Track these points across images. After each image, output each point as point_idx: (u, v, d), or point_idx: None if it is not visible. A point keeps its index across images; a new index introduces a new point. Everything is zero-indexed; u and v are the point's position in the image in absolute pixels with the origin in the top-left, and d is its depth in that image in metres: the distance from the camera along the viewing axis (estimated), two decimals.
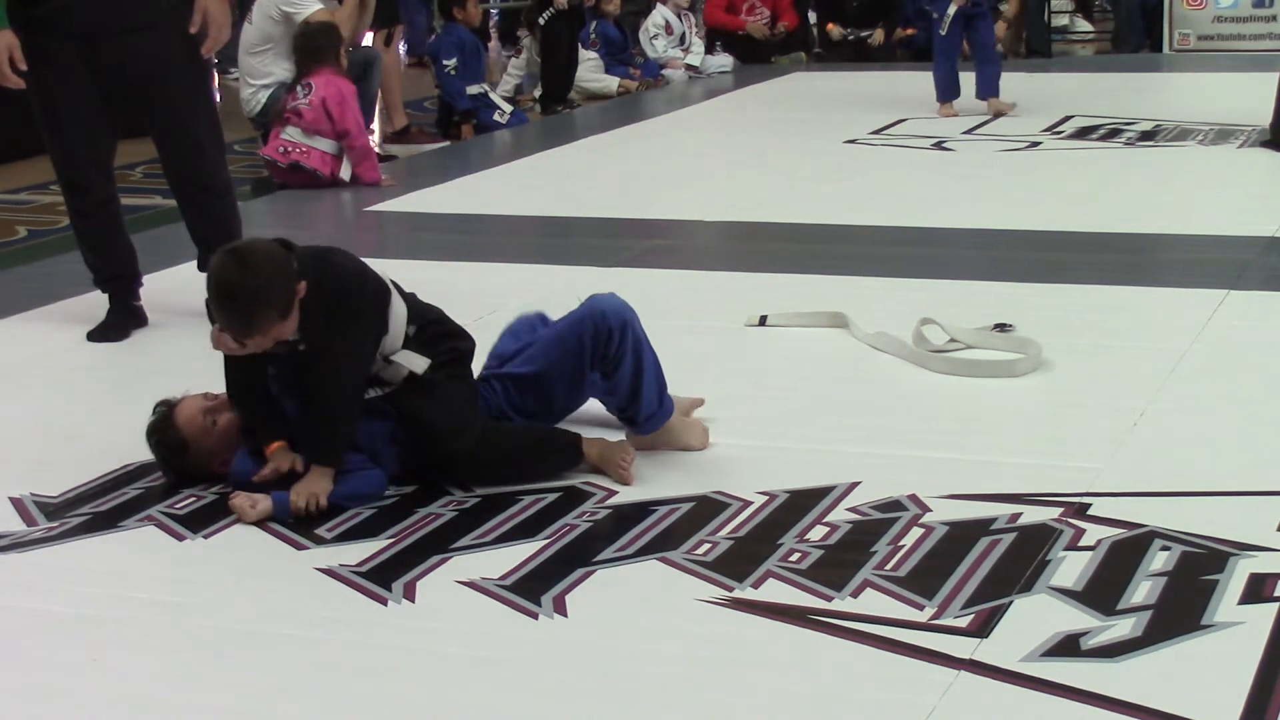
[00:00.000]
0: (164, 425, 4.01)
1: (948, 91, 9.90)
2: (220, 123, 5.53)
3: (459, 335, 4.06)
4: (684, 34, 12.75)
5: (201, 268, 5.34)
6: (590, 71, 11.91)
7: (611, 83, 11.92)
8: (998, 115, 9.71)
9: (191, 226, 5.49)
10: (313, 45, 8.27)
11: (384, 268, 4.04)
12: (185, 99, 5.28)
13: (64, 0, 5.09)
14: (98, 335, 5.39)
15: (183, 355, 5.12)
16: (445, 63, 10.28)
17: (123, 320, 5.45)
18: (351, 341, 3.83)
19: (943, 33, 9.73)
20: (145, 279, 5.63)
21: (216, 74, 6.22)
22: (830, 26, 13.42)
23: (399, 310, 3.93)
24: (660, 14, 12.69)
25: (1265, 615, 3.14)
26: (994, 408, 4.47)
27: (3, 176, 9.13)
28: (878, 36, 13.31)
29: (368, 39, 9.68)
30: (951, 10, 9.62)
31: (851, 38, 13.46)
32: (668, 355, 4.92)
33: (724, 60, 12.83)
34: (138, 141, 5.44)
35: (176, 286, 5.79)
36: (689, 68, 12.55)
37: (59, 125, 5.23)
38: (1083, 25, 15.53)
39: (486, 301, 5.45)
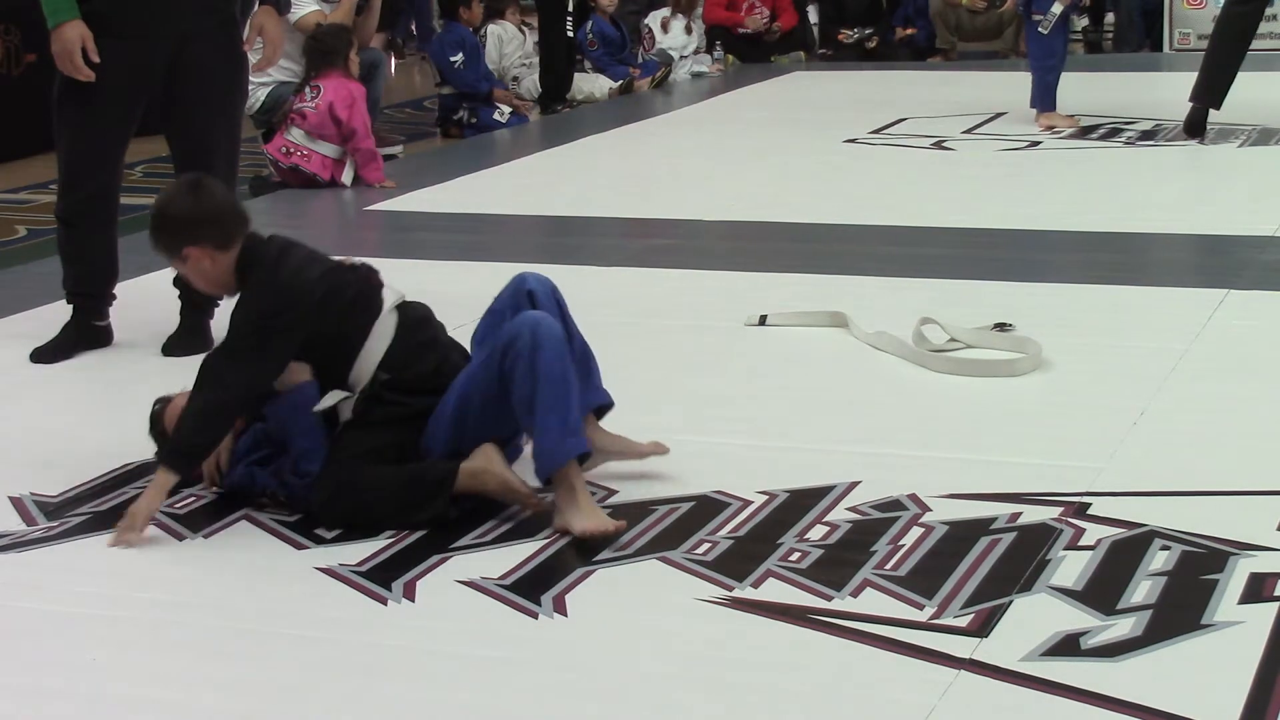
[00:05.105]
0: (158, 422, 4.04)
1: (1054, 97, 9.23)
2: (240, 140, 5.39)
3: (424, 393, 3.83)
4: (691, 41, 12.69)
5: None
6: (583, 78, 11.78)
7: (603, 85, 11.77)
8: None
9: None
10: (324, 48, 8.25)
11: (389, 274, 4.03)
12: (212, 107, 5.16)
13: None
14: (41, 355, 5.14)
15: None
16: (452, 59, 10.38)
17: (72, 341, 5.20)
18: (221, 363, 3.75)
19: (1043, 31, 9.02)
20: (147, 278, 5.60)
21: None
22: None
23: (371, 349, 3.82)
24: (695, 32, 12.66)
25: (1265, 615, 3.14)
26: (994, 408, 4.47)
27: (3, 176, 9.12)
28: (874, 38, 13.32)
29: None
30: (1057, 9, 8.99)
31: (856, 36, 13.46)
32: (668, 355, 4.94)
33: (709, 58, 12.73)
34: (139, 140, 5.39)
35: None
36: (696, 75, 12.49)
37: (79, 122, 5.09)
38: (1084, 23, 15.50)
39: (486, 302, 5.42)
